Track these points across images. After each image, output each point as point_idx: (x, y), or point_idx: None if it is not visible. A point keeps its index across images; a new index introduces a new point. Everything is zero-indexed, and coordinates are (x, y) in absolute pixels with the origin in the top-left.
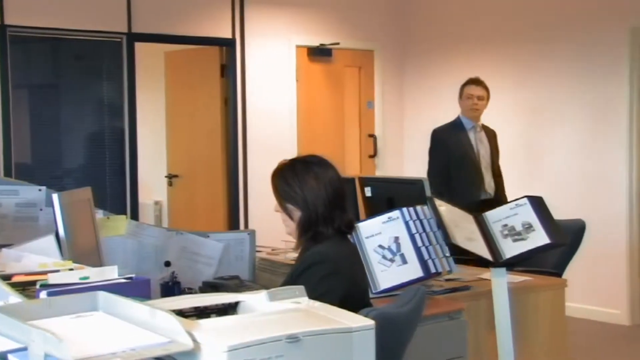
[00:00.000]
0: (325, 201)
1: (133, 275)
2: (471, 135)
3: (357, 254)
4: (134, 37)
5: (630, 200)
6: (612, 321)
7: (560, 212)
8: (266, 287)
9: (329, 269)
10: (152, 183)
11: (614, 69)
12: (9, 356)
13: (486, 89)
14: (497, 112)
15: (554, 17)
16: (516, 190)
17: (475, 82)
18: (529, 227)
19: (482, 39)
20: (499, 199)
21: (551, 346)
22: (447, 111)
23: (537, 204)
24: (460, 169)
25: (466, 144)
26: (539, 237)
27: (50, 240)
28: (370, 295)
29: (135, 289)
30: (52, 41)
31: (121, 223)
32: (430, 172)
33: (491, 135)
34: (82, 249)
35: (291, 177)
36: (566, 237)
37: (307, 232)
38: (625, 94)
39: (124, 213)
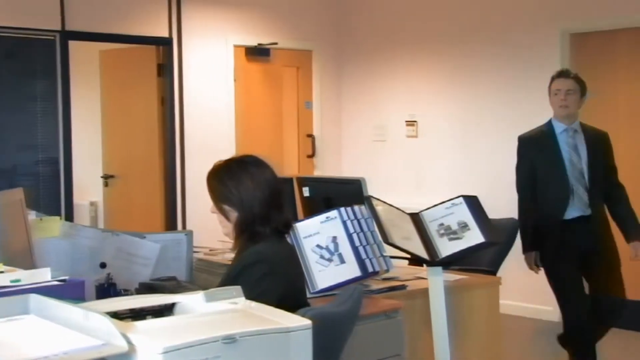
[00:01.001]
0: (261, 201)
1: (67, 277)
2: (562, 140)
3: (295, 254)
4: (67, 36)
5: None
6: (545, 318)
7: (493, 211)
8: (204, 288)
9: (265, 269)
10: (87, 184)
11: (546, 71)
12: None
13: (578, 81)
14: (431, 112)
15: (488, 19)
16: (450, 190)
17: (563, 74)
18: (464, 226)
19: (418, 40)
20: (602, 215)
21: (486, 343)
22: (383, 111)
23: (472, 203)
24: (547, 182)
25: (554, 152)
26: (474, 236)
27: None
28: (308, 295)
29: (69, 291)
30: None
31: (54, 224)
32: (517, 187)
33: (596, 139)
34: (14, 251)
35: (227, 177)
36: (500, 236)
37: (244, 232)
38: None
39: (59, 214)
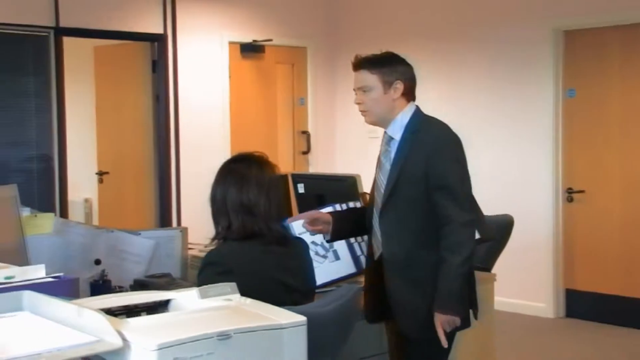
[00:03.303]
0: (231, 206)
1: (61, 274)
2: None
3: (270, 255)
4: (61, 32)
5: (556, 196)
6: (538, 314)
7: (487, 207)
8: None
9: (219, 270)
10: (81, 180)
11: (538, 68)
12: None
13: (373, 71)
14: (424, 108)
15: (479, 16)
16: None
17: (352, 65)
18: None
19: (411, 36)
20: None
21: (479, 339)
22: None
23: None
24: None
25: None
26: None
27: None
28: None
29: (62, 288)
30: None
31: (48, 221)
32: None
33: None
34: (7, 248)
35: (216, 176)
36: (494, 232)
37: (217, 233)
38: (549, 92)
39: (53, 211)
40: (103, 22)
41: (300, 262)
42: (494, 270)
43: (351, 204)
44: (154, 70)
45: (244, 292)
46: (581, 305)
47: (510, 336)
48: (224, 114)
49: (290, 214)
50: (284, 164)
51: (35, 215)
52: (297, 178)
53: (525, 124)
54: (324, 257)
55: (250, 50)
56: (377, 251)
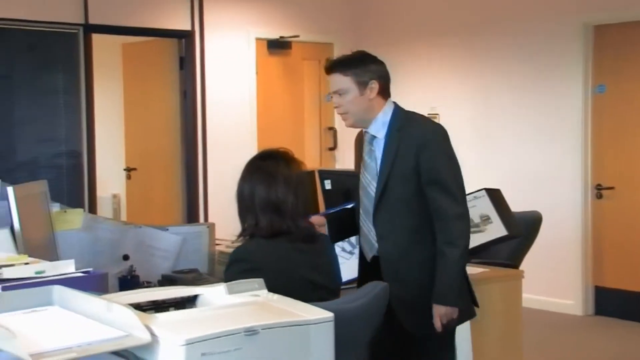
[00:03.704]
0: (259, 203)
1: (90, 269)
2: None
3: (297, 253)
4: (90, 29)
5: (585, 192)
6: (566, 312)
7: (515, 204)
8: (225, 281)
9: (246, 267)
10: (110, 176)
11: (567, 63)
12: None
13: (346, 73)
14: (452, 104)
15: (509, 10)
16: (472, 183)
17: (325, 69)
18: (486, 219)
19: (439, 32)
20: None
21: (506, 336)
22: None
23: (495, 196)
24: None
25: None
26: (497, 229)
27: (4, 234)
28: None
29: (91, 283)
30: (6, 32)
31: (77, 216)
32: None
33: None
34: (37, 243)
35: (243, 172)
36: (521, 229)
37: (243, 230)
38: (578, 88)
39: (82, 206)
40: (131, 19)
41: (327, 259)
42: (522, 267)
43: (348, 206)
44: (181, 66)
45: (271, 289)
46: (610, 302)
47: (538, 333)
48: (251, 110)
49: (317, 211)
50: (311, 161)
51: (65, 211)
52: (324, 174)
53: (554, 120)
54: (350, 253)
55: (276, 46)
56: (369, 252)
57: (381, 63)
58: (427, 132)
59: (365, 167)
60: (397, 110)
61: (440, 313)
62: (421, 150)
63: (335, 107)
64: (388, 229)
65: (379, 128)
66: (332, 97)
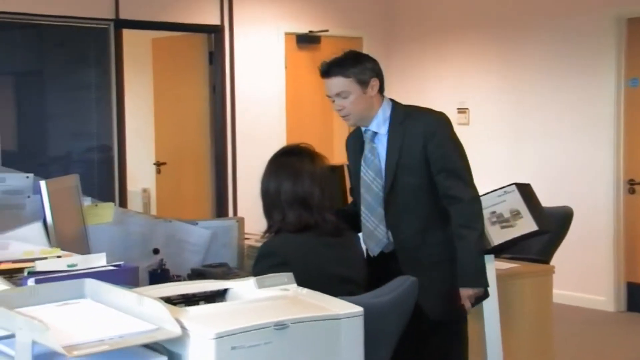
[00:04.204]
0: (286, 198)
1: (121, 263)
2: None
3: (325, 246)
4: (121, 24)
5: (617, 187)
6: (598, 308)
7: (546, 198)
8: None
9: (275, 261)
10: (140, 171)
11: (599, 57)
12: None
13: (347, 74)
14: (482, 99)
15: (539, 4)
16: (502, 178)
17: (322, 73)
18: (516, 214)
19: (469, 25)
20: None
21: (537, 332)
22: (434, 99)
23: (525, 191)
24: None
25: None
26: (527, 224)
27: (37, 227)
28: None
29: (122, 276)
30: (38, 28)
31: (108, 210)
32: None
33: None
34: (69, 237)
35: (268, 166)
36: (552, 224)
37: (270, 226)
38: (611, 81)
39: (112, 201)
40: (161, 14)
41: (354, 253)
42: (553, 262)
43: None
44: (210, 61)
45: (299, 284)
46: None
47: (569, 329)
48: (279, 105)
49: (344, 204)
50: (340, 155)
51: (96, 205)
52: None
53: (586, 114)
54: None
55: (306, 41)
56: (376, 248)
57: (375, 60)
58: (431, 122)
59: (367, 164)
60: (396, 104)
61: (467, 294)
62: (428, 140)
63: (338, 110)
64: (401, 220)
65: (380, 124)
66: (333, 100)
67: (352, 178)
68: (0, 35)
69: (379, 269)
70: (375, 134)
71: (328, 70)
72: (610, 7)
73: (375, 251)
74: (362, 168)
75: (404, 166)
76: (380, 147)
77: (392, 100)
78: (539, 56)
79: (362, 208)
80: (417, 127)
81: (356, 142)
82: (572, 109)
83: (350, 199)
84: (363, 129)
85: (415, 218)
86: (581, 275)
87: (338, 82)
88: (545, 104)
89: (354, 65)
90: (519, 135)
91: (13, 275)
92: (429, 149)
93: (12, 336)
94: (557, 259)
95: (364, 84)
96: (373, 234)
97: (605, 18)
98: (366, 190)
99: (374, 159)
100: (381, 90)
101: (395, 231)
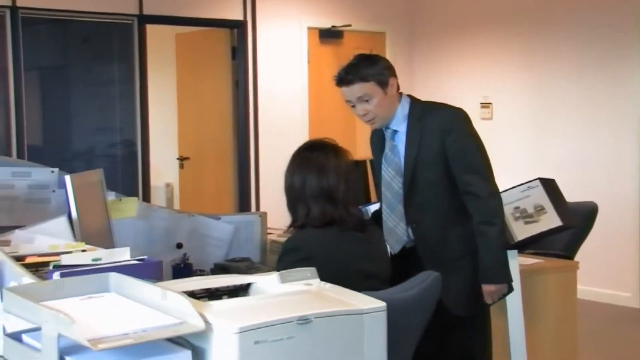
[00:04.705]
0: (311, 192)
1: (145, 257)
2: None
3: (350, 241)
4: (144, 19)
5: None
6: (623, 304)
7: (571, 194)
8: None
9: (300, 256)
10: (163, 165)
11: (624, 53)
12: (23, 336)
13: (368, 78)
14: (506, 94)
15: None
16: (526, 173)
17: (340, 81)
18: (540, 210)
19: (492, 20)
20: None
21: (561, 329)
22: (457, 94)
23: (549, 186)
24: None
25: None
26: (551, 220)
27: (62, 221)
28: None
29: (146, 270)
30: (63, 23)
31: (132, 205)
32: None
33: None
34: (94, 231)
35: (290, 163)
36: (576, 219)
37: (294, 221)
38: (636, 76)
39: (136, 195)
40: (184, 10)
41: (378, 248)
42: (578, 258)
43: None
44: (233, 56)
45: (323, 279)
46: None
47: (594, 325)
48: (302, 99)
49: (367, 200)
50: (363, 150)
51: (120, 200)
52: None
53: (611, 110)
54: None
55: (328, 36)
56: (397, 245)
57: (387, 59)
58: (449, 117)
59: (388, 162)
60: (414, 101)
61: (490, 291)
62: (446, 135)
63: (362, 115)
64: (421, 217)
65: (400, 122)
66: (353, 105)
67: (376, 175)
68: (26, 30)
69: (401, 264)
70: (395, 132)
71: (346, 77)
72: (636, 2)
73: (396, 249)
74: (382, 166)
75: (423, 162)
76: (400, 145)
77: (409, 96)
78: (563, 50)
79: (383, 206)
80: (434, 122)
81: (378, 140)
82: (596, 103)
83: (373, 194)
84: (384, 128)
85: (435, 214)
86: (606, 271)
87: (358, 88)
88: (569, 99)
89: (372, 67)
90: (542, 129)
91: (39, 269)
92: (446, 144)
93: (38, 329)
94: (581, 255)
95: (384, 84)
96: (394, 232)
97: (630, 13)
98: (387, 187)
99: (394, 157)
100: (399, 88)
101: (415, 228)
